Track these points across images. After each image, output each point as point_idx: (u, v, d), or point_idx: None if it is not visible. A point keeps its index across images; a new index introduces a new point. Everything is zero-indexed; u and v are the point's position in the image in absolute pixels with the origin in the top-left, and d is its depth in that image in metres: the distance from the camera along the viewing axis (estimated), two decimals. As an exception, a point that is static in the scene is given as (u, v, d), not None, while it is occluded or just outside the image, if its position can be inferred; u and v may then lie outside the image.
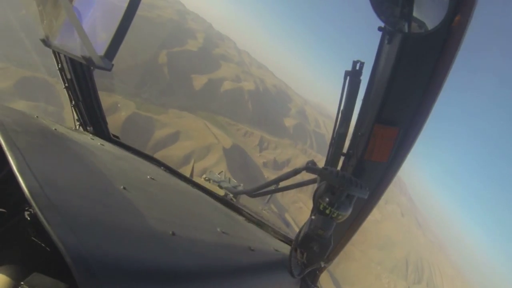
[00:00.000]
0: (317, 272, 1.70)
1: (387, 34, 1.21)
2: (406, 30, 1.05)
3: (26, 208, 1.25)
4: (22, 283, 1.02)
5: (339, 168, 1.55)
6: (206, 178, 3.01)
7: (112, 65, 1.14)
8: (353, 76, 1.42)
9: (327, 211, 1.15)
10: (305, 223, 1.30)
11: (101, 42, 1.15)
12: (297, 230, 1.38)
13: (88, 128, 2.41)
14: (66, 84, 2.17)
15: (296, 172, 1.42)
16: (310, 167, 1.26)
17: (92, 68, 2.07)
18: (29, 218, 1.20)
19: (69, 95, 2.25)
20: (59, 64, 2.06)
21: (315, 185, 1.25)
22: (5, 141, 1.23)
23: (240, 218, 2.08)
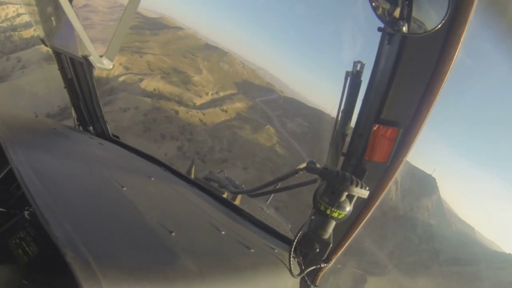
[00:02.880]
0: (317, 272, 1.70)
1: (387, 34, 1.21)
2: (406, 31, 1.05)
3: (26, 208, 1.25)
4: (22, 280, 1.02)
5: (339, 168, 1.55)
6: (206, 178, 3.00)
7: (113, 65, 1.14)
8: (353, 76, 1.42)
9: (327, 211, 1.15)
10: (304, 223, 1.30)
11: (101, 42, 1.15)
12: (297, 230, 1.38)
13: (88, 127, 2.41)
14: (67, 85, 2.17)
15: (296, 172, 1.41)
16: (310, 167, 1.26)
17: (92, 68, 2.07)
18: (28, 218, 1.20)
19: (69, 95, 2.25)
20: (60, 64, 2.07)
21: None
22: (5, 140, 1.24)
23: (240, 218, 2.08)
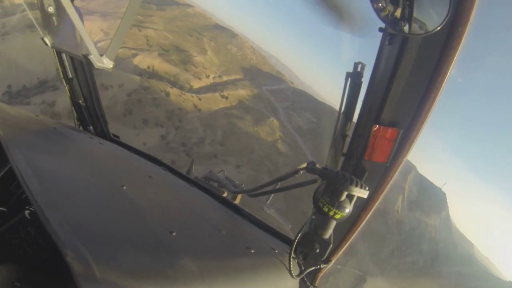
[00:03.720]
0: (316, 273, 1.70)
1: (387, 35, 1.21)
2: (407, 31, 1.05)
3: (27, 207, 1.25)
4: (16, 283, 1.02)
5: (339, 168, 1.55)
6: (206, 178, 3.00)
7: (113, 64, 1.14)
8: (354, 77, 1.42)
9: (328, 211, 1.15)
10: (305, 223, 1.30)
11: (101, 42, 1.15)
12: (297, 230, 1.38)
13: (88, 127, 2.41)
14: (67, 84, 2.17)
15: (296, 172, 1.42)
16: (311, 167, 1.26)
17: (92, 67, 2.07)
18: (29, 217, 1.20)
19: (69, 94, 2.25)
20: (60, 63, 2.07)
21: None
22: (6, 139, 1.24)
23: (240, 217, 2.08)
